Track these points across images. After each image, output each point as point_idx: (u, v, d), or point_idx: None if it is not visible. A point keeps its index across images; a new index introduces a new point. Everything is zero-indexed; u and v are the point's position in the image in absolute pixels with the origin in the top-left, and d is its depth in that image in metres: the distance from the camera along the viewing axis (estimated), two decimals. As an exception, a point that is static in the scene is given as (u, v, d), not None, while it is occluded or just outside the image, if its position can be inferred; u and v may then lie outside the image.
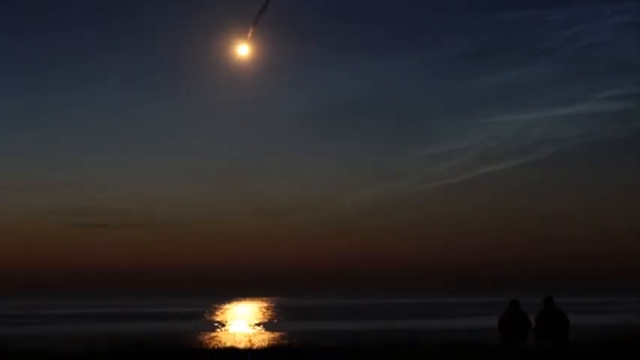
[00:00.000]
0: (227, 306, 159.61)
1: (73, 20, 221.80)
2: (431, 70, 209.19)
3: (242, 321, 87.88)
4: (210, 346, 26.90)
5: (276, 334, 59.96)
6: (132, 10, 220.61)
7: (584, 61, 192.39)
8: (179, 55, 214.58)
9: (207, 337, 57.52)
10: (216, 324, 78.71)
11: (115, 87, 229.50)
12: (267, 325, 75.09)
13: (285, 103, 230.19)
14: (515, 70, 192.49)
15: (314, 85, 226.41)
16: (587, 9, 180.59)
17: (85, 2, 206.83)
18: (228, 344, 26.14)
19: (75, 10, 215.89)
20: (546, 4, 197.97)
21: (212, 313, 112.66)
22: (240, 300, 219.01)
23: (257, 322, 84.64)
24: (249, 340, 25.31)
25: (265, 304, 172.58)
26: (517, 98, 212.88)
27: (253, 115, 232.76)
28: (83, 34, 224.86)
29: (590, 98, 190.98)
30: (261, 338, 57.76)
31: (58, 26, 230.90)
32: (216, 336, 58.69)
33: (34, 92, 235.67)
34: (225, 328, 71.62)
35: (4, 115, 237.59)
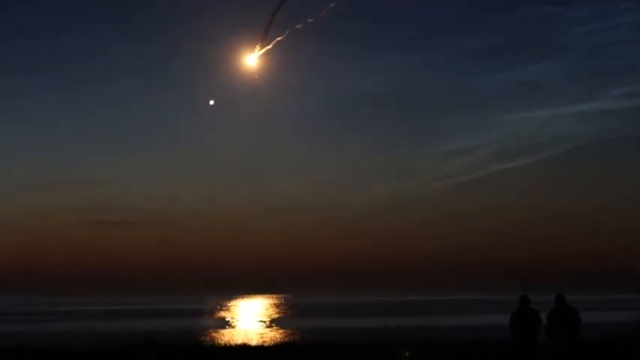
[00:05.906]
0: (237, 303, 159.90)
1: (85, 17, 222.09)
2: (445, 68, 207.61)
3: (253, 318, 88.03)
4: (222, 344, 26.97)
5: (288, 332, 60.00)
6: (144, 5, 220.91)
7: (599, 58, 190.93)
8: (191, 52, 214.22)
9: (217, 334, 57.64)
10: (226, 321, 78.87)
11: (128, 85, 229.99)
12: (278, 322, 75.18)
13: (297, 100, 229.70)
14: (530, 68, 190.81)
15: (326, 82, 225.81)
16: (602, 6, 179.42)
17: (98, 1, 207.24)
18: (240, 341, 26.19)
19: (86, 7, 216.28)
20: (561, 2, 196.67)
21: (223, 310, 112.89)
22: (251, 297, 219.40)
23: (268, 319, 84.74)
24: (261, 337, 25.42)
25: (276, 301, 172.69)
26: (532, 95, 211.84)
27: (266, 112, 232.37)
28: (95, 30, 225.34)
29: (605, 95, 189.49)
30: (272, 335, 57.79)
31: (68, 23, 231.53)
32: (227, 333, 58.80)
33: (45, 89, 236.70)
34: (236, 324, 71.76)
35: (16, 113, 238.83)
